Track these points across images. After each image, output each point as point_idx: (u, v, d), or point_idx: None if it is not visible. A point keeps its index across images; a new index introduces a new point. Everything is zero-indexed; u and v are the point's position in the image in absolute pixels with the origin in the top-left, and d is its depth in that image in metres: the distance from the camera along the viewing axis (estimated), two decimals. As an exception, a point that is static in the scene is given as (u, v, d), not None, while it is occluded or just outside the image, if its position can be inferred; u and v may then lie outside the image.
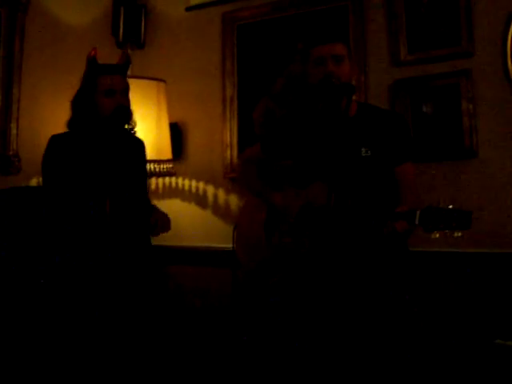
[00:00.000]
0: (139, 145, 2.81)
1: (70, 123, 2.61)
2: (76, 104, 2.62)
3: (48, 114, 3.63)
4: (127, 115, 2.53)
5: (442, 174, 3.09)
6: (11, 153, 3.41)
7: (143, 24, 4.05)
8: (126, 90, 2.59)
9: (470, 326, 2.87)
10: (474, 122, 3.07)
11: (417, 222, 2.02)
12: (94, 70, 2.60)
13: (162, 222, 2.64)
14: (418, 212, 2.02)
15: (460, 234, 1.97)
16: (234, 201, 3.73)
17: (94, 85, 2.57)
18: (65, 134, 2.63)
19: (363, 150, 2.34)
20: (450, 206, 1.98)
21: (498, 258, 2.91)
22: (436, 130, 3.15)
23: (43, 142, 3.50)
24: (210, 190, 3.81)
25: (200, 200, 3.83)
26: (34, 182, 3.49)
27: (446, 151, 3.12)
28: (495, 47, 3.05)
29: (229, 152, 3.77)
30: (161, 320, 2.65)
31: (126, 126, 2.60)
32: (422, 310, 2.80)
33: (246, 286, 2.92)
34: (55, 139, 2.61)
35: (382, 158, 2.35)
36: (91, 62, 2.61)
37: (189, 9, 3.98)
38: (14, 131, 3.43)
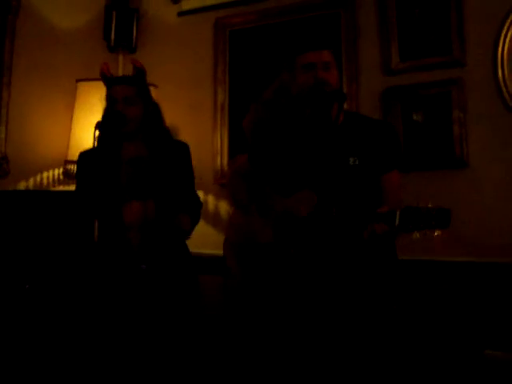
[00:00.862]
0: (180, 148, 2.79)
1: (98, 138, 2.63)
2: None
3: (37, 118, 3.62)
4: (118, 122, 2.50)
5: (432, 183, 3.09)
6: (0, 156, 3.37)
7: (135, 28, 4.04)
8: (131, 98, 2.57)
9: (459, 336, 2.86)
10: (465, 131, 3.07)
11: (397, 223, 2.01)
12: (107, 84, 2.64)
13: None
14: (398, 212, 2.01)
15: (440, 233, 1.96)
16: (223, 207, 3.71)
17: (108, 97, 2.61)
18: (92, 149, 2.64)
19: (351, 159, 2.33)
20: (429, 205, 1.97)
21: (487, 267, 2.90)
22: (426, 139, 3.16)
23: (32, 146, 3.53)
24: (200, 195, 3.76)
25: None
26: (22, 185, 3.47)
27: (437, 160, 3.12)
28: (486, 56, 3.06)
29: (219, 159, 3.76)
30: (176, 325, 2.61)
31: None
32: (410, 319, 2.79)
33: (236, 292, 2.90)
34: (81, 156, 2.68)
35: (370, 167, 2.34)
36: (103, 77, 2.64)
37: (181, 14, 3.98)
38: (2, 134, 3.41)
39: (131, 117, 2.54)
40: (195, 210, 2.71)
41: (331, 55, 2.38)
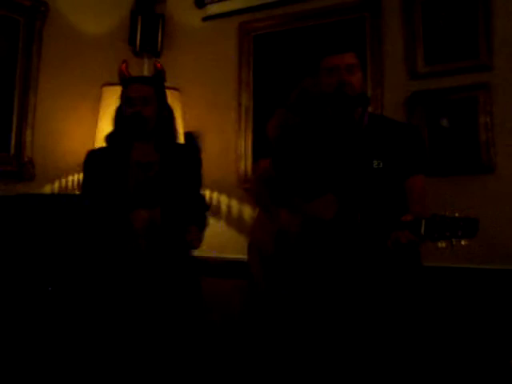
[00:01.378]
0: (188, 152, 2.80)
1: (107, 137, 2.65)
2: (113, 116, 2.67)
3: (63, 122, 3.65)
4: (139, 123, 2.51)
5: (458, 189, 3.04)
6: (26, 159, 3.41)
7: (160, 33, 4.07)
8: (148, 98, 2.57)
9: (484, 345, 2.81)
10: (492, 136, 3.02)
11: (422, 232, 1.97)
12: (123, 84, 2.64)
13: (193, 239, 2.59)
14: (424, 221, 1.97)
15: (467, 243, 1.92)
16: (247, 211, 3.70)
17: (122, 97, 2.61)
18: (101, 148, 2.67)
19: (375, 162, 2.30)
20: (456, 215, 1.94)
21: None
22: (452, 144, 3.11)
23: (58, 150, 3.57)
24: (224, 199, 3.80)
25: (213, 210, 3.80)
26: (47, 188, 3.51)
27: (463, 166, 3.08)
28: (514, 60, 3.01)
29: (243, 162, 3.75)
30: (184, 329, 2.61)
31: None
32: (434, 327, 2.75)
33: (258, 298, 2.89)
34: (90, 154, 2.67)
35: (394, 170, 2.31)
36: (120, 76, 2.65)
37: (206, 19, 3.99)
38: (29, 138, 3.43)
39: (147, 117, 2.55)
40: (202, 215, 2.72)
41: (355, 58, 2.37)
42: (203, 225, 2.69)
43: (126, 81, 2.63)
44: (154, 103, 2.59)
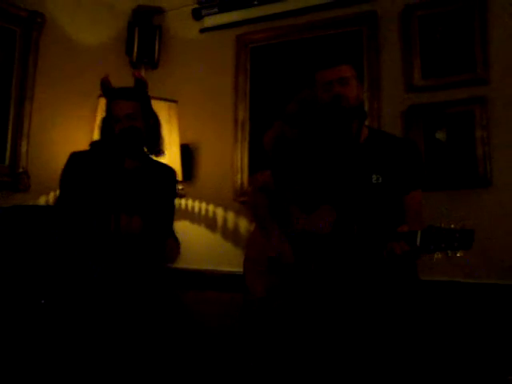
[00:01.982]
0: (166, 173, 2.76)
1: (93, 144, 2.61)
2: (99, 126, 2.66)
3: (59, 132, 3.64)
4: (132, 137, 2.50)
5: (455, 203, 3.03)
6: (21, 170, 3.39)
7: (157, 44, 4.06)
8: (133, 115, 2.54)
9: (482, 360, 2.78)
10: (488, 150, 3.02)
11: (418, 243, 1.98)
12: (106, 96, 2.63)
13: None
14: (419, 232, 1.98)
15: (462, 254, 1.92)
16: (243, 224, 3.68)
17: (108, 110, 2.60)
18: (84, 151, 2.61)
19: (374, 176, 2.30)
20: (452, 226, 1.93)
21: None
22: (449, 158, 3.11)
23: (53, 160, 3.53)
24: (220, 212, 3.78)
25: (209, 223, 3.79)
26: (42, 199, 3.48)
27: (460, 179, 3.07)
28: (511, 74, 3.01)
29: (239, 175, 3.74)
30: (169, 342, 2.58)
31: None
32: (431, 342, 2.73)
33: (254, 311, 2.87)
34: (73, 156, 2.61)
35: (392, 185, 2.30)
36: (102, 86, 2.61)
37: (203, 30, 4.00)
38: (24, 148, 3.42)
39: (138, 128, 2.54)
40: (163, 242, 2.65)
41: (349, 69, 2.37)
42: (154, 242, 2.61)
43: (109, 94, 2.61)
44: (140, 117, 2.57)
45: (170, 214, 2.72)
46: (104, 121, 2.63)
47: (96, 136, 2.74)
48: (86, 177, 2.51)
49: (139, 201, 2.53)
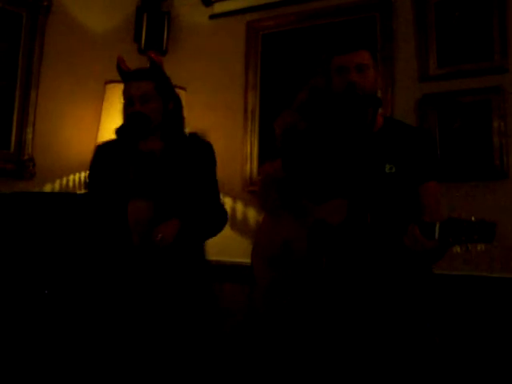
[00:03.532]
0: (201, 149, 2.64)
1: (116, 130, 2.53)
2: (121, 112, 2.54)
3: (65, 120, 3.59)
4: (137, 123, 2.41)
5: (470, 195, 2.96)
6: (26, 157, 3.35)
7: (166, 31, 4.00)
8: (147, 95, 2.44)
9: (497, 359, 2.71)
10: (505, 141, 2.93)
11: (437, 236, 1.90)
12: (122, 78, 2.54)
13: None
14: (438, 224, 1.90)
15: (483, 248, 1.84)
16: (252, 215, 3.62)
17: (123, 94, 2.50)
18: (109, 142, 2.55)
19: (387, 166, 2.22)
20: (472, 218, 1.85)
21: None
22: (465, 148, 3.03)
23: (59, 148, 3.50)
24: (229, 202, 3.71)
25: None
26: (48, 187, 3.44)
27: (475, 170, 2.99)
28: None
29: (249, 165, 3.68)
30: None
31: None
32: (444, 339, 2.66)
33: (261, 303, 2.81)
34: (98, 149, 2.59)
35: (407, 175, 2.23)
36: (118, 70, 2.53)
37: (213, 17, 3.93)
38: (29, 136, 3.37)
39: (148, 114, 2.42)
40: (214, 220, 2.58)
41: (368, 55, 2.27)
42: (206, 228, 2.55)
43: (124, 76, 2.53)
44: (156, 98, 2.47)
45: (206, 190, 2.60)
46: (124, 105, 2.53)
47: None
48: (109, 167, 2.44)
49: (156, 186, 2.43)
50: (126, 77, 2.51)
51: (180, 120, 2.60)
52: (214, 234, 2.60)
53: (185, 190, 2.46)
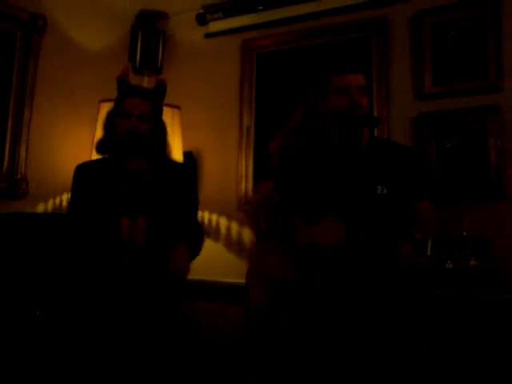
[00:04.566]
0: (179, 171, 2.65)
1: (98, 144, 2.51)
2: (103, 123, 2.56)
3: (59, 139, 3.58)
4: (136, 141, 2.40)
5: (467, 214, 2.92)
6: (19, 176, 3.32)
7: (161, 50, 4.00)
8: (146, 115, 2.46)
9: (496, 379, 2.67)
10: (502, 160, 2.92)
11: (429, 252, 1.88)
12: (121, 91, 2.52)
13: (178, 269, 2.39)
14: (430, 240, 1.88)
15: (476, 263, 1.80)
16: (247, 234, 3.59)
17: (118, 106, 2.49)
18: (89, 162, 2.58)
19: (379, 188, 2.21)
20: (464, 233, 1.83)
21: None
22: (461, 167, 3.01)
23: (52, 167, 3.48)
24: (223, 222, 3.69)
25: (212, 232, 3.70)
26: (41, 207, 3.41)
27: (472, 190, 2.97)
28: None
29: (243, 184, 3.65)
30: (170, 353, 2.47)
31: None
32: (444, 359, 2.63)
33: (256, 324, 2.78)
34: (78, 169, 2.56)
35: (398, 196, 2.22)
36: (120, 82, 2.52)
37: (208, 35, 3.93)
38: (22, 154, 3.35)
39: (143, 133, 2.44)
40: (195, 241, 2.55)
41: (364, 79, 2.29)
42: (195, 252, 2.52)
43: (125, 90, 2.52)
44: (151, 119, 2.48)
45: (185, 211, 2.59)
46: (109, 116, 2.54)
47: (98, 135, 2.63)
48: (92, 186, 2.44)
49: (146, 202, 2.43)
50: (130, 92, 2.50)
51: (164, 143, 2.59)
52: (198, 254, 2.58)
53: (171, 209, 2.47)
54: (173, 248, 2.34)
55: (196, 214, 2.66)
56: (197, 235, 2.60)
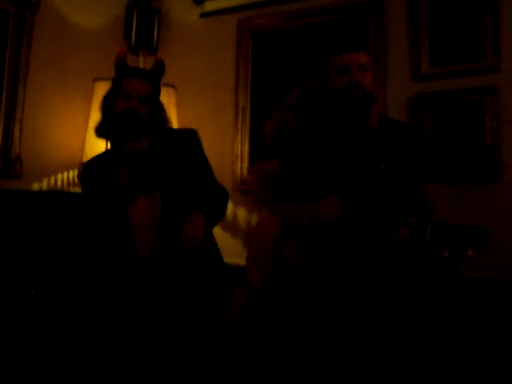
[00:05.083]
0: (182, 137, 2.58)
1: (97, 127, 2.48)
2: (100, 104, 2.50)
3: (54, 118, 3.55)
4: (132, 121, 2.37)
5: (462, 196, 2.92)
6: (13, 155, 3.31)
7: (156, 29, 3.96)
8: (146, 97, 2.41)
9: (503, 362, 2.67)
10: (498, 141, 2.91)
11: (427, 239, 1.88)
12: (119, 72, 2.46)
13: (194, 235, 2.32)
14: (429, 228, 1.88)
15: (473, 253, 1.82)
16: (242, 214, 3.59)
17: (116, 86, 2.44)
18: (94, 157, 2.53)
19: (382, 166, 2.20)
20: (464, 223, 1.84)
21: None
22: (457, 149, 3.00)
23: (47, 146, 3.46)
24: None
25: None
26: (35, 186, 3.40)
27: (467, 171, 2.97)
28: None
29: (239, 164, 3.64)
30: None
31: None
32: (447, 340, 2.63)
33: (255, 303, 2.78)
34: (85, 166, 2.55)
35: (402, 175, 2.20)
36: (120, 62, 2.47)
37: (203, 15, 3.89)
38: (17, 133, 3.33)
39: (141, 115, 2.38)
40: (216, 203, 2.49)
41: (367, 57, 2.27)
42: (218, 214, 2.47)
43: (124, 71, 2.47)
44: (150, 101, 2.44)
45: (199, 175, 2.53)
46: (107, 97, 2.48)
47: (95, 116, 2.59)
48: (98, 177, 2.41)
49: (154, 179, 2.38)
50: (129, 73, 2.46)
51: (162, 120, 2.54)
52: (224, 215, 2.54)
53: (183, 179, 2.42)
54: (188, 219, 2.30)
55: (211, 174, 2.58)
56: (217, 196, 2.51)
